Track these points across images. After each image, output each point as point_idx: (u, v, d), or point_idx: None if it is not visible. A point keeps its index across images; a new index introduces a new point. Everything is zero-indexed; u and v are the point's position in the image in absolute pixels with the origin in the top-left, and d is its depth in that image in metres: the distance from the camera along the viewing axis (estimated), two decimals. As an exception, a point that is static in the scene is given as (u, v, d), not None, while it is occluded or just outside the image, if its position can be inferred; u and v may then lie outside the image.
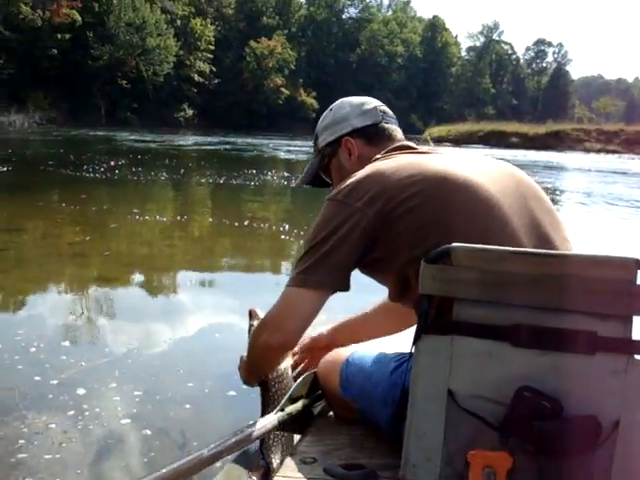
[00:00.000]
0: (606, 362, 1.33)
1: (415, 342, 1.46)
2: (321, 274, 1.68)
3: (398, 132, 2.01)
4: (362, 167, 1.81)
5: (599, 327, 1.33)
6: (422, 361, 1.44)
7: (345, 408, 1.98)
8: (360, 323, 2.35)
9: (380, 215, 1.65)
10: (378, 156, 1.86)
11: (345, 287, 1.72)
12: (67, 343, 4.15)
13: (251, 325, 2.16)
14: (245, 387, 3.44)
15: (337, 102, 2.09)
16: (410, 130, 68.76)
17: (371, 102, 2.03)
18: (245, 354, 1.99)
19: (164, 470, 1.44)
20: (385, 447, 1.78)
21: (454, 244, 1.41)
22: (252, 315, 2.20)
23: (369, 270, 1.78)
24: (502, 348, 1.37)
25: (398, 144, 1.92)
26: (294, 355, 2.32)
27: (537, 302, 1.35)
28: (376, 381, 1.83)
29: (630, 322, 1.34)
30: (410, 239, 1.63)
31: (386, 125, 1.98)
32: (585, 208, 12.82)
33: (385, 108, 2.02)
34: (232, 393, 3.46)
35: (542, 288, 1.35)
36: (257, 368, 1.95)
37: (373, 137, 1.96)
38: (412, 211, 1.62)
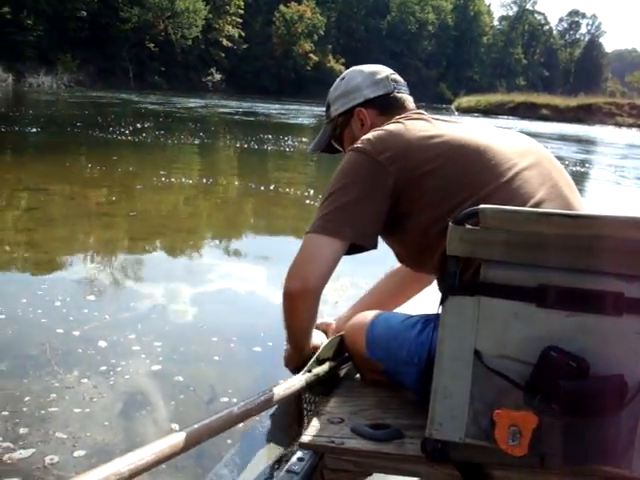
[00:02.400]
0: (633, 323, 1.33)
1: (442, 303, 1.47)
2: (341, 222, 1.69)
3: (410, 101, 2.02)
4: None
5: (626, 288, 1.33)
6: (449, 321, 1.45)
7: (372, 370, 1.98)
8: (376, 297, 2.32)
9: (402, 173, 1.68)
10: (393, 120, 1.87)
11: (367, 242, 1.73)
12: (92, 297, 4.22)
13: None
14: (270, 344, 3.53)
15: (348, 71, 2.09)
16: (439, 100, 68.35)
17: (383, 71, 2.03)
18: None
19: (196, 426, 1.45)
20: (411, 408, 1.79)
21: (482, 205, 1.41)
22: None
23: (390, 229, 1.77)
24: (529, 309, 1.38)
25: (412, 112, 1.93)
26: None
27: (564, 263, 1.36)
28: (402, 341, 1.83)
29: None
30: (433, 198, 1.65)
31: (398, 95, 2.00)
32: (614, 183, 12.63)
33: (397, 77, 2.03)
34: (257, 349, 3.49)
35: (570, 249, 1.35)
36: (288, 325, 1.89)
37: (385, 107, 1.97)
38: (434, 172, 1.66)
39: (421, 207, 1.67)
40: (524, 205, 1.58)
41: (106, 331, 3.60)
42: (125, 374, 3.10)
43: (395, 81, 2.01)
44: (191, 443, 1.43)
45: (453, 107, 56.26)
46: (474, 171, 1.65)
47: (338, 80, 2.08)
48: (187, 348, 3.52)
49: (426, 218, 1.66)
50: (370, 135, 1.76)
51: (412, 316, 1.89)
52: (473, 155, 1.67)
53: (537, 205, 1.60)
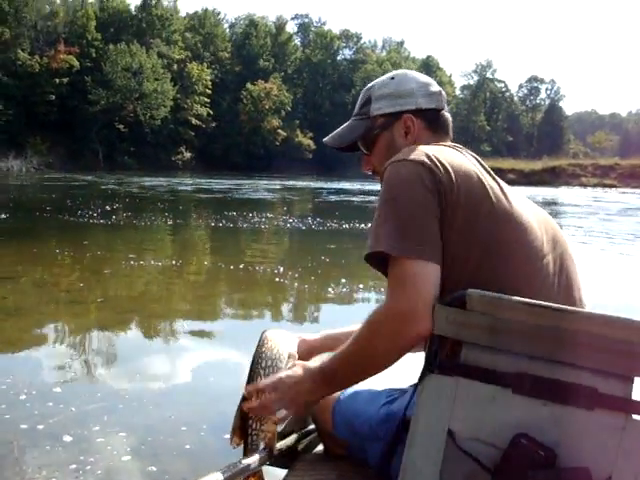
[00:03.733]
0: (604, 418, 1.34)
1: (420, 380, 1.47)
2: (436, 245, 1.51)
3: (451, 127, 1.88)
4: None
5: (600, 384, 1.34)
6: (425, 399, 1.46)
7: (338, 445, 1.94)
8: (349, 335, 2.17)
9: (455, 204, 1.52)
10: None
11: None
12: (58, 389, 4.13)
13: (260, 350, 1.90)
14: None
15: (400, 72, 1.90)
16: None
17: (435, 85, 1.89)
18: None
19: None
20: None
21: (470, 290, 1.42)
22: (264, 339, 1.94)
23: None
24: (505, 394, 1.39)
25: (453, 145, 1.77)
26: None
27: (542, 353, 1.37)
28: (366, 418, 1.79)
29: (631, 382, 1.35)
30: (465, 252, 1.53)
31: (446, 114, 1.87)
32: (586, 245, 12.80)
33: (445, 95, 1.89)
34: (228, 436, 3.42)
35: (550, 340, 1.37)
36: (364, 352, 1.56)
37: (434, 123, 1.83)
38: (479, 226, 1.53)
39: (450, 255, 1.52)
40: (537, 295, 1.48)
41: (72, 425, 3.52)
42: (94, 470, 3.02)
43: (445, 100, 1.88)
44: None
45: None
46: (513, 246, 1.55)
47: (386, 78, 1.89)
48: (156, 439, 3.44)
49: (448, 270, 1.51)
50: (429, 149, 1.62)
51: (377, 391, 1.86)
52: (517, 230, 1.56)
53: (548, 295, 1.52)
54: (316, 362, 1.74)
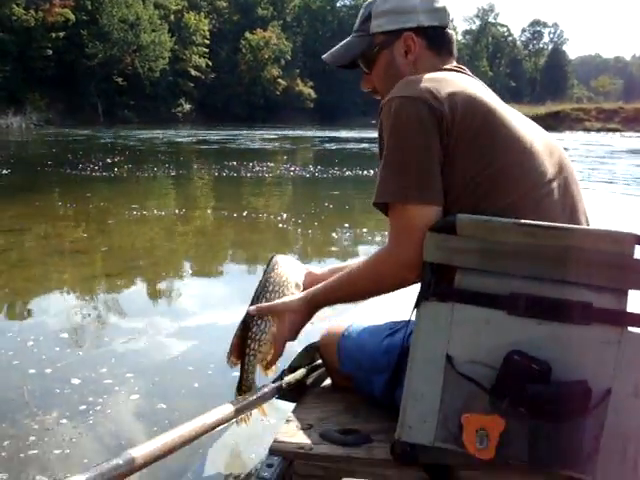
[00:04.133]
0: (600, 333, 1.36)
1: (416, 307, 1.49)
2: (429, 186, 1.52)
3: (455, 46, 1.82)
4: (416, 71, 1.69)
5: (595, 299, 1.36)
6: (422, 326, 1.48)
7: (344, 379, 1.98)
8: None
9: (458, 135, 1.52)
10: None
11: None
12: (65, 335, 4.17)
13: (269, 275, 1.94)
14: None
15: None
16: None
17: (441, 0, 1.78)
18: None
19: (169, 433, 1.50)
20: (379, 412, 1.81)
21: (459, 214, 1.44)
22: (274, 264, 1.97)
23: None
24: (500, 316, 1.41)
25: (456, 67, 1.76)
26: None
27: (535, 273, 1.39)
28: (369, 351, 1.82)
29: (625, 295, 1.37)
30: (468, 166, 1.53)
31: (450, 32, 1.79)
32: (588, 186, 12.77)
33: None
34: (236, 374, 3.47)
35: (542, 259, 1.38)
36: (362, 286, 1.67)
37: (436, 42, 1.76)
38: (475, 137, 1.53)
39: (456, 180, 1.53)
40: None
41: (80, 368, 3.56)
42: (103, 410, 3.06)
43: (450, 16, 1.79)
44: (164, 451, 1.47)
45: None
46: (519, 171, 1.54)
47: None
48: (164, 379, 3.49)
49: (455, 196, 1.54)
50: (429, 81, 1.57)
51: (380, 325, 1.89)
52: (523, 155, 1.55)
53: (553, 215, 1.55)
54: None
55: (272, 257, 1.98)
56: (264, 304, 1.84)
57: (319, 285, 1.80)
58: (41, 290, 5.41)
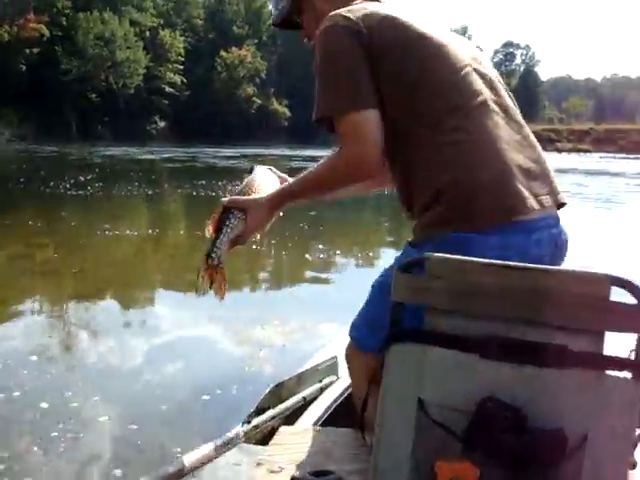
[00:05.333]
0: (576, 376, 1.32)
1: (386, 348, 1.44)
2: (363, 92, 1.63)
3: None
4: (335, 8, 1.78)
5: (570, 341, 1.31)
6: (393, 368, 1.43)
7: (372, 367, 1.76)
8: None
9: (379, 45, 1.65)
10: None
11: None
12: (34, 357, 4.10)
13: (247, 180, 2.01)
14: (219, 391, 3.50)
15: None
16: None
17: None
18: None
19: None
20: (353, 453, 1.79)
21: (427, 253, 1.41)
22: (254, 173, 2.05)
23: None
24: (471, 359, 1.36)
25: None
26: None
27: (508, 314, 1.34)
28: (375, 312, 1.73)
29: (602, 337, 1.33)
30: (401, 74, 1.64)
31: None
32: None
33: None
34: (206, 397, 3.45)
35: (513, 300, 1.34)
36: (323, 182, 1.78)
37: None
38: (407, 56, 1.65)
39: (390, 80, 1.64)
40: (472, 100, 1.64)
41: (49, 392, 3.52)
42: (74, 436, 3.01)
43: None
44: None
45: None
46: (437, 59, 1.67)
47: None
48: (132, 402, 3.45)
49: (392, 96, 1.64)
50: (345, 10, 1.71)
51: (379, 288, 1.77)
52: (437, 48, 1.68)
53: (481, 103, 1.65)
54: None
55: (252, 167, 2.08)
56: (237, 197, 1.90)
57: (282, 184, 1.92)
58: (11, 312, 5.32)
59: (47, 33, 58.66)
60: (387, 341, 1.45)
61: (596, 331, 1.32)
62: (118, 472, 2.75)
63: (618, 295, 1.29)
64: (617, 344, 1.34)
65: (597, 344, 1.32)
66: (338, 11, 1.72)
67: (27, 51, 57.40)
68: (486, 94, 1.69)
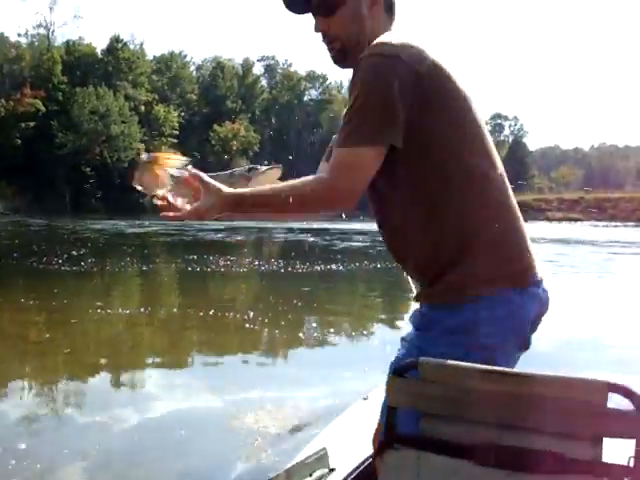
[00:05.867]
0: None
1: (379, 454, 1.42)
2: (380, 127, 1.58)
3: None
4: (373, 26, 1.71)
5: (568, 448, 1.29)
6: (388, 475, 1.41)
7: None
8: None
9: (433, 92, 1.60)
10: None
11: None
12: (23, 445, 4.01)
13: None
14: None
15: None
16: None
17: None
18: None
19: None
20: None
21: (422, 358, 1.39)
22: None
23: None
24: (467, 467, 1.32)
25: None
26: None
27: (504, 421, 1.32)
28: None
29: (600, 444, 1.30)
30: (452, 132, 1.62)
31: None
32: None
33: None
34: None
35: (509, 407, 1.32)
36: (294, 200, 1.66)
37: (390, 6, 1.78)
38: (459, 112, 1.64)
39: (440, 124, 1.61)
40: (499, 164, 1.74)
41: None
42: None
43: None
44: None
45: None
46: (481, 138, 1.69)
47: None
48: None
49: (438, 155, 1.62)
50: (396, 42, 1.61)
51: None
52: (480, 125, 1.69)
53: (502, 169, 1.75)
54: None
55: (252, 168, 1.99)
56: (205, 176, 1.83)
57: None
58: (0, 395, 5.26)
59: (43, 108, 59.60)
60: (381, 447, 1.43)
61: (594, 438, 1.30)
62: None
63: (615, 400, 1.28)
64: (615, 450, 1.32)
65: (595, 451, 1.29)
66: (398, 42, 1.62)
67: (22, 125, 58.24)
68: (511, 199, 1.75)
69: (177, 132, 72.56)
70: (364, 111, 1.57)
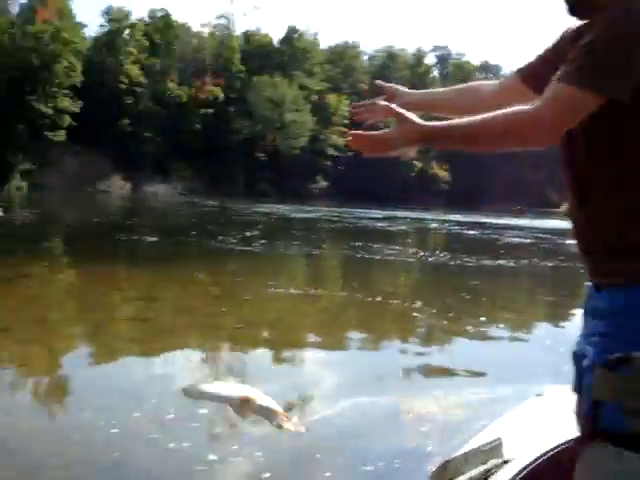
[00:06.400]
0: None
1: (580, 445, 1.36)
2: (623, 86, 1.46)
3: None
4: None
5: None
6: (585, 471, 1.35)
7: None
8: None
9: None
10: None
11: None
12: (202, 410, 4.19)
13: None
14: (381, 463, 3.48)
15: None
16: (545, 204, 67.39)
17: None
18: None
19: None
20: None
21: (635, 353, 1.31)
22: None
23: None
24: None
25: None
26: None
27: None
28: None
29: None
30: None
31: None
32: None
33: None
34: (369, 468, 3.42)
35: None
36: (495, 130, 1.62)
37: None
38: None
39: None
40: None
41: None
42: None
43: None
44: None
45: (562, 211, 55.23)
46: None
47: None
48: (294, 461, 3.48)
49: None
50: None
51: None
52: None
53: None
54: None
55: None
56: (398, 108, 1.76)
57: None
58: (172, 358, 5.57)
59: (221, 95, 62.34)
60: (582, 440, 1.37)
61: None
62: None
63: None
64: None
65: None
66: None
67: (202, 111, 61.21)
68: None
69: (347, 121, 73.32)
70: (597, 54, 1.48)
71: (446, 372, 5.80)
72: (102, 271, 10.39)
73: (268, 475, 3.37)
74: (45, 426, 4.09)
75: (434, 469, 2.05)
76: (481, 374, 5.71)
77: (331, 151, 70.48)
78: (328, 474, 3.44)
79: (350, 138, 1.70)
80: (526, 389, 4.04)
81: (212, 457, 3.52)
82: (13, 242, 13.80)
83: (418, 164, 74.86)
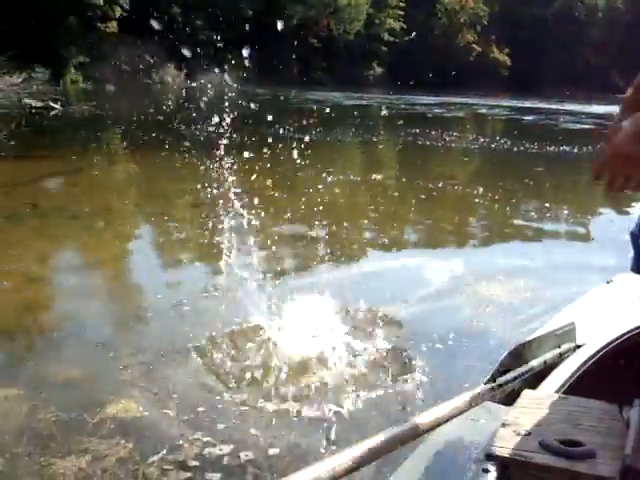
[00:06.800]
0: None
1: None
2: None
3: None
4: None
5: None
6: None
7: None
8: None
9: None
10: None
11: None
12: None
13: None
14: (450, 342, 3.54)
15: None
16: (610, 88, 65.03)
17: None
18: None
19: (382, 436, 1.49)
20: (604, 425, 1.68)
21: None
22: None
23: None
24: None
25: None
26: None
27: None
28: None
29: None
30: None
31: None
32: None
33: None
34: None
35: None
36: None
37: None
38: None
39: None
40: None
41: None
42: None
43: None
44: (382, 451, 1.48)
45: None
46: None
47: None
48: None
49: None
50: None
51: None
52: None
53: None
54: None
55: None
56: None
57: None
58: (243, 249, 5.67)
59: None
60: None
61: None
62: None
63: None
64: None
65: None
66: None
67: (251, -3, 59.97)
68: None
69: (403, 4, 70.94)
70: None
71: (511, 255, 5.79)
72: (164, 160, 10.51)
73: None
74: (115, 308, 4.27)
75: (509, 350, 2.07)
76: (542, 259, 5.69)
77: (387, 36, 68.54)
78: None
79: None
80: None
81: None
82: (74, 135, 13.97)
83: (477, 48, 72.38)
